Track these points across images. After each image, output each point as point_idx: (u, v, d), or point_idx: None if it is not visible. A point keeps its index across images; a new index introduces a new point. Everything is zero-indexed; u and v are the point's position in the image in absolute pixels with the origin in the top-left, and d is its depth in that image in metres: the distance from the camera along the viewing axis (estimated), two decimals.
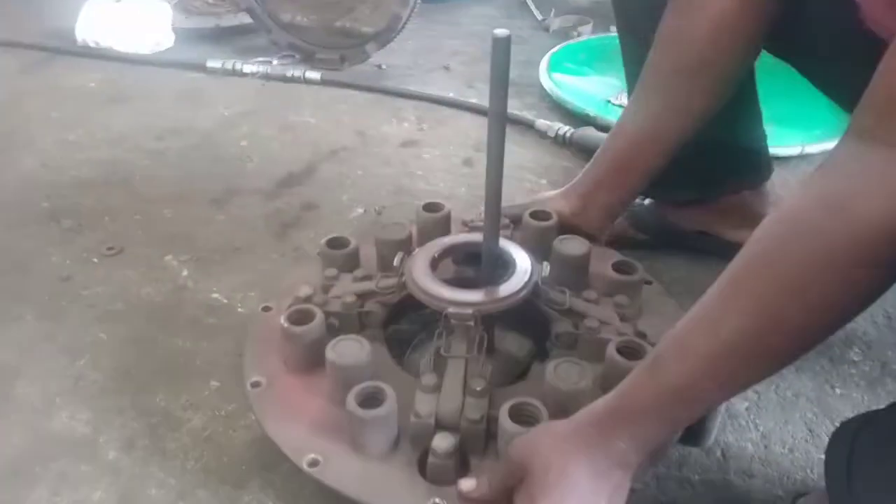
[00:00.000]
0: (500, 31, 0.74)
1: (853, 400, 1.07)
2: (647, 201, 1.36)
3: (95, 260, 1.36)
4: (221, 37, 2.45)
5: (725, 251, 1.31)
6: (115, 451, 0.98)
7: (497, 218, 0.89)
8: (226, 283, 1.30)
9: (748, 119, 1.26)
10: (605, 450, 0.67)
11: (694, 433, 0.94)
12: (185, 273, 1.32)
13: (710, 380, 0.63)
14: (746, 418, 1.04)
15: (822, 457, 0.97)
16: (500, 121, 0.80)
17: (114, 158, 1.72)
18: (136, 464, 0.97)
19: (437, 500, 0.76)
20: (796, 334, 0.60)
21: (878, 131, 0.55)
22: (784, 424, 1.03)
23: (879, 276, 0.57)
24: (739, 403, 1.06)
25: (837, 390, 1.09)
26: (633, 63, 1.19)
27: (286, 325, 0.89)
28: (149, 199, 1.55)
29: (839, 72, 0.86)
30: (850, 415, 1.04)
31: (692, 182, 1.26)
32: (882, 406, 0.94)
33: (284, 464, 0.95)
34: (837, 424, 1.02)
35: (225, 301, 1.26)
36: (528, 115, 1.91)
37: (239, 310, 1.24)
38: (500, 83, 0.77)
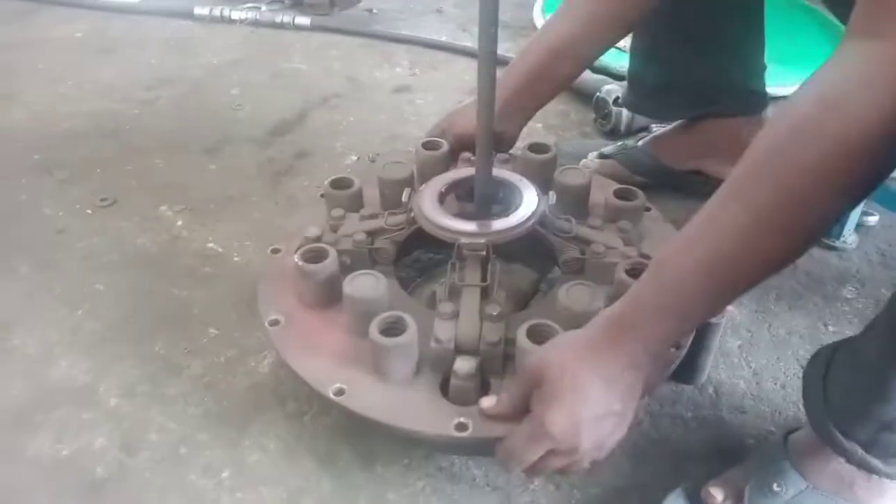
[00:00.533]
0: None
1: (845, 337, 1.08)
2: (640, 143, 1.35)
3: (89, 211, 1.36)
4: None
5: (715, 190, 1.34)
6: (116, 398, 1.00)
7: (489, 153, 0.89)
8: (221, 232, 1.30)
9: (751, 43, 1.25)
10: (615, 353, 0.68)
11: (687, 371, 0.95)
12: (179, 223, 1.32)
13: (709, 277, 0.63)
14: (739, 356, 1.05)
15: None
16: (490, 59, 0.79)
17: (104, 109, 1.70)
18: (136, 410, 0.98)
19: (461, 419, 0.78)
20: (791, 235, 0.60)
21: (871, 27, 0.55)
22: (776, 361, 1.04)
23: (874, 172, 0.57)
24: (732, 342, 1.07)
25: (830, 328, 1.10)
26: None
27: (301, 263, 0.90)
28: (141, 150, 1.54)
29: None
30: None
31: (687, 97, 1.27)
32: None
33: (284, 408, 0.97)
34: None
35: (220, 250, 1.26)
36: None
37: (235, 258, 1.24)
38: (490, 20, 0.76)
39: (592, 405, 0.68)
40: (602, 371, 0.68)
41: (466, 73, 1.85)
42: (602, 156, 1.36)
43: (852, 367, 0.74)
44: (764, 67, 1.28)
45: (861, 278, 1.19)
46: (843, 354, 0.76)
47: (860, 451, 0.73)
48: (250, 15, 2.13)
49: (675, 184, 1.33)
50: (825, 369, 0.77)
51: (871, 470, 0.73)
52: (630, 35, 1.32)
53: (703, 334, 0.91)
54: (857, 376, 0.72)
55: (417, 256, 1.13)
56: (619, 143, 1.39)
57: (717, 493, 0.79)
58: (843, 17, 1.07)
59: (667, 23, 1.18)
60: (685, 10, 1.15)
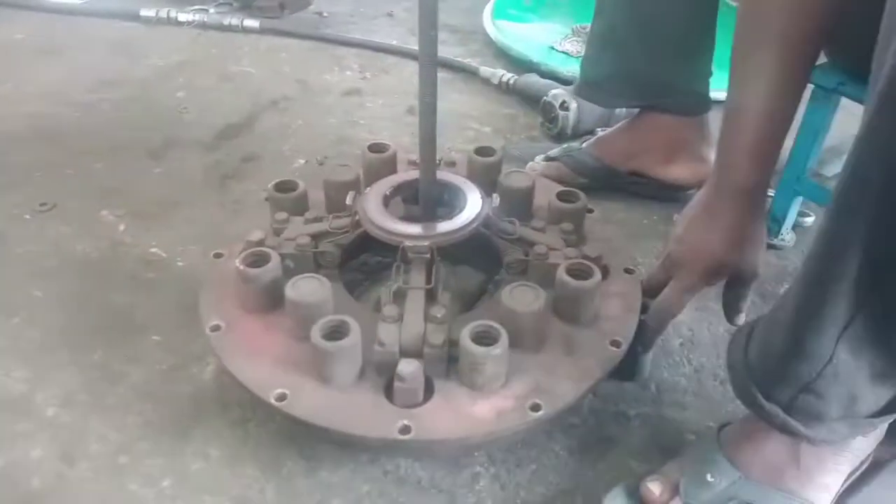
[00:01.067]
0: None
1: None
2: (584, 145, 1.37)
3: (28, 217, 1.32)
4: None
5: (660, 192, 1.36)
6: (54, 407, 0.97)
7: (433, 156, 0.90)
8: (164, 237, 1.27)
9: (703, 45, 1.28)
10: (711, 193, 0.91)
11: (629, 368, 0.97)
12: (121, 228, 1.29)
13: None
14: (680, 354, 1.07)
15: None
16: (430, 63, 0.81)
17: (44, 112, 1.66)
18: (75, 420, 0.96)
19: (405, 421, 0.78)
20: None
21: None
22: (716, 359, 1.07)
23: None
24: (674, 340, 1.09)
25: None
26: None
27: (242, 267, 0.89)
28: (82, 153, 1.50)
29: None
30: None
31: (635, 87, 1.30)
32: None
33: (228, 415, 0.96)
34: None
35: (164, 255, 1.23)
36: (472, 62, 1.90)
37: (179, 264, 1.22)
38: (430, 24, 0.77)
39: (695, 224, 0.91)
40: (704, 207, 0.91)
41: (416, 76, 1.84)
42: (548, 158, 1.38)
43: (770, 329, 0.75)
44: (710, 72, 1.31)
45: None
46: (763, 322, 0.78)
47: (781, 414, 0.74)
48: (198, 17, 2.10)
49: (616, 185, 1.36)
50: (747, 338, 0.79)
51: (792, 433, 0.74)
52: (588, 29, 1.35)
53: (643, 331, 0.93)
54: (775, 337, 0.74)
55: (365, 259, 1.12)
56: (565, 145, 1.41)
57: (655, 488, 0.81)
58: None
59: (628, 11, 1.23)
60: (648, 3, 1.20)
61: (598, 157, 1.35)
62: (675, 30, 1.23)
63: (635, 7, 1.23)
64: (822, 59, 1.16)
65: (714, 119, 1.33)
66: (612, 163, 1.34)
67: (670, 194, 1.36)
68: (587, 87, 1.39)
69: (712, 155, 1.32)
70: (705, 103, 1.32)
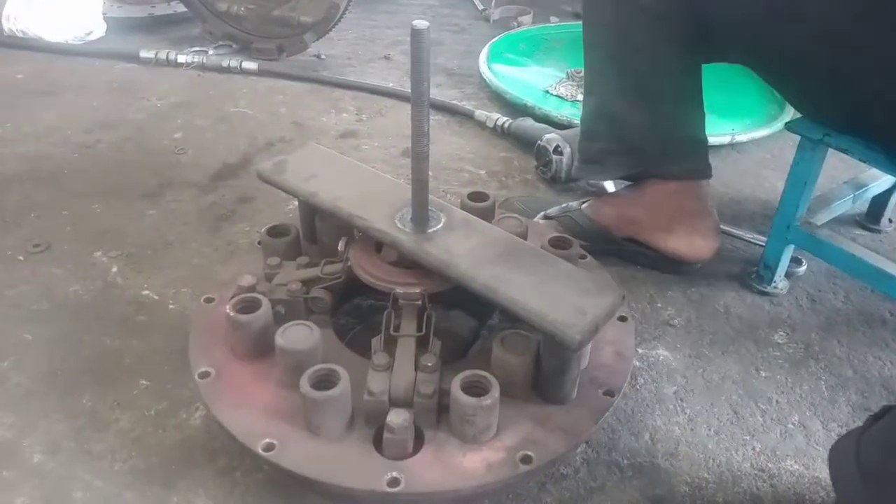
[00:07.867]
0: (419, 23, 0.75)
1: (777, 381, 1.11)
2: (583, 206, 1.36)
3: (21, 258, 1.32)
4: (155, 26, 2.40)
5: (658, 264, 1.33)
6: (40, 454, 0.96)
7: (425, 206, 0.90)
8: (157, 279, 1.27)
9: (691, 112, 1.26)
10: None
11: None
12: (114, 269, 1.29)
13: None
14: (674, 402, 1.06)
15: (747, 438, 1.01)
16: (422, 109, 0.82)
17: (41, 153, 1.67)
18: (61, 467, 0.94)
19: (393, 474, 0.77)
20: None
21: None
22: (710, 407, 1.06)
23: None
24: (668, 387, 1.08)
25: (762, 373, 1.12)
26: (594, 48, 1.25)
27: (232, 314, 0.88)
28: (77, 194, 1.51)
29: None
30: (775, 396, 1.08)
31: (632, 156, 1.28)
32: (804, 384, 0.97)
33: (215, 463, 0.95)
34: (761, 405, 1.06)
35: (156, 298, 1.23)
36: (467, 105, 1.92)
37: (171, 306, 1.21)
38: (421, 73, 0.78)
39: None
40: None
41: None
42: (546, 217, 1.36)
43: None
44: (705, 139, 1.29)
45: (792, 323, 1.22)
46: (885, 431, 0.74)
47: None
48: (197, 59, 2.13)
49: (612, 250, 1.34)
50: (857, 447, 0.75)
51: None
52: (581, 92, 1.33)
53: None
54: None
55: (358, 303, 1.12)
56: (563, 205, 1.38)
57: None
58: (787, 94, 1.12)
59: (617, 82, 1.23)
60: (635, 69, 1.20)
61: (594, 219, 1.33)
62: (665, 92, 1.22)
63: (624, 77, 1.21)
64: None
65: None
66: (607, 227, 1.33)
67: (669, 267, 1.32)
68: (586, 166, 1.36)
69: (712, 231, 1.30)
70: (705, 168, 1.28)
